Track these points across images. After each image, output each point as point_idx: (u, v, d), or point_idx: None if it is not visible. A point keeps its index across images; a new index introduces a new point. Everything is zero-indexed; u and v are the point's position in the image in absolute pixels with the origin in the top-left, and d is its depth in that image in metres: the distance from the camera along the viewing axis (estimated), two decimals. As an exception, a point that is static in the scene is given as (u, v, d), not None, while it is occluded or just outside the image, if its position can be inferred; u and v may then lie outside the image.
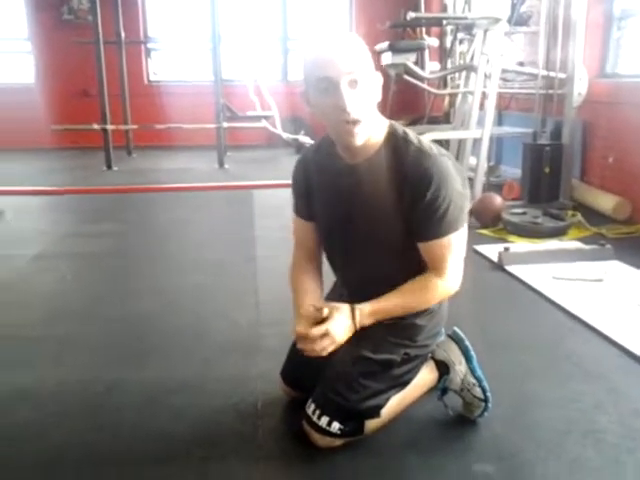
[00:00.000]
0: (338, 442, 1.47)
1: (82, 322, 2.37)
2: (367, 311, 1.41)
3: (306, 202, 1.57)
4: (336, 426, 1.45)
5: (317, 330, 1.36)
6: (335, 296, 1.67)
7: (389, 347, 1.48)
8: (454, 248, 1.38)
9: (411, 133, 1.40)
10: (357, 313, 1.40)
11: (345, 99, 1.26)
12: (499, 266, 2.91)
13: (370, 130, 1.34)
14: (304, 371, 1.62)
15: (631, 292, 2.53)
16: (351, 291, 1.60)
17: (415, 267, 1.46)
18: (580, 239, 3.35)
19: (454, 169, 1.36)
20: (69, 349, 2.14)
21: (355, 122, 1.29)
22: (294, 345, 1.70)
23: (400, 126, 1.42)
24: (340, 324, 1.38)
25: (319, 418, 1.45)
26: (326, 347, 1.37)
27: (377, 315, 1.42)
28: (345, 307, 1.41)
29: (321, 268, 1.64)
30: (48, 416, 1.69)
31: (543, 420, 1.61)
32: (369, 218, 1.43)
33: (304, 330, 1.38)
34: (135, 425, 1.64)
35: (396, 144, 1.38)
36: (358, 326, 1.41)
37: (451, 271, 1.41)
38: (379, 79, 1.35)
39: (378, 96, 1.36)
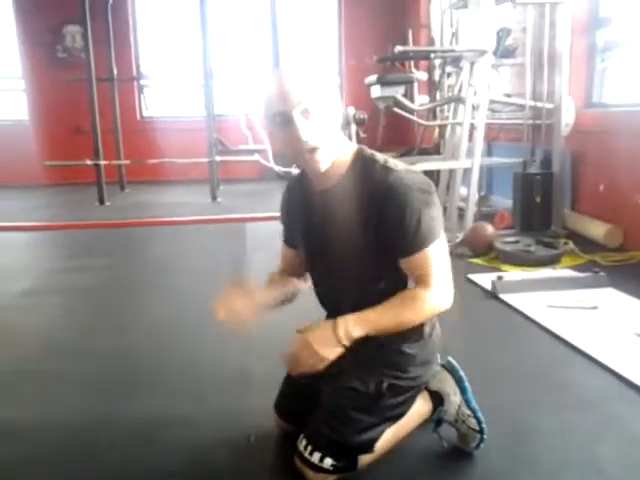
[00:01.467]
0: (331, 478, 1.43)
1: (71, 357, 2.33)
2: (351, 319, 1.35)
3: (290, 230, 1.61)
4: (329, 462, 1.41)
5: (294, 344, 1.38)
6: None
7: (380, 378, 1.45)
8: (435, 260, 1.34)
9: (378, 154, 1.41)
10: (339, 322, 1.34)
11: (300, 130, 1.28)
12: (493, 295, 2.90)
13: (333, 154, 1.35)
14: (298, 404, 1.59)
15: (626, 319, 2.52)
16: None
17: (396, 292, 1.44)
18: (573, 267, 3.35)
19: (423, 183, 1.35)
20: (57, 385, 2.09)
21: (313, 150, 1.30)
22: (287, 377, 1.68)
23: (367, 149, 1.43)
24: (318, 333, 1.36)
25: (311, 454, 1.42)
26: (310, 363, 1.36)
27: (363, 325, 1.34)
28: (325, 322, 1.40)
29: (299, 283, 1.64)
30: (35, 453, 1.64)
31: (541, 451, 1.57)
32: (343, 243, 1.42)
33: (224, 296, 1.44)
34: (124, 461, 1.60)
35: (363, 165, 1.38)
36: (341, 334, 1.33)
37: (438, 284, 1.35)
38: (337, 103, 1.36)
39: (338, 120, 1.36)
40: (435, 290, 1.35)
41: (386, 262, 1.40)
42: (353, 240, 1.39)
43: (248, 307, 1.46)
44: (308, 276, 1.64)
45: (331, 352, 1.34)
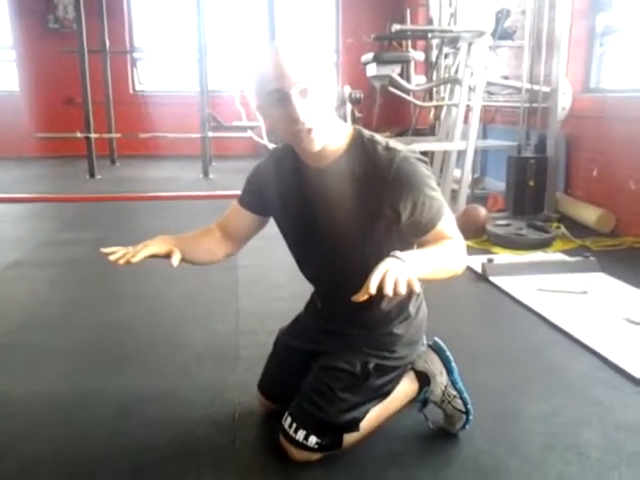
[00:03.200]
0: (316, 456, 1.43)
1: (58, 330, 2.31)
2: (411, 256, 1.18)
3: (260, 195, 1.51)
4: (313, 440, 1.40)
5: (375, 277, 1.10)
6: (312, 307, 1.64)
7: (366, 358, 1.45)
8: (449, 229, 1.35)
9: (377, 135, 1.38)
10: (396, 254, 1.16)
11: (297, 109, 1.23)
12: (483, 277, 2.89)
13: (328, 135, 1.31)
14: (282, 383, 1.58)
15: (615, 305, 2.52)
16: (325, 299, 1.58)
17: None
18: (564, 251, 3.35)
19: (423, 160, 1.36)
20: (43, 357, 2.08)
21: (310, 130, 1.26)
22: (272, 356, 1.67)
23: (365, 129, 1.40)
24: (386, 261, 1.14)
25: (295, 432, 1.41)
26: (394, 278, 1.09)
27: (417, 258, 1.19)
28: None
29: (227, 252, 1.57)
30: (19, 426, 1.64)
31: (526, 434, 1.57)
32: (337, 222, 1.39)
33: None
34: (108, 435, 1.59)
35: (363, 145, 1.35)
36: (403, 258, 1.14)
37: (458, 238, 1.35)
38: (333, 82, 1.32)
39: (334, 101, 1.33)
40: (459, 241, 1.34)
41: (391, 239, 1.37)
42: (353, 219, 1.36)
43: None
44: (236, 249, 1.58)
45: (400, 266, 1.13)
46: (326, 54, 1.31)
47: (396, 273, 1.10)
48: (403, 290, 1.09)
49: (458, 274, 1.32)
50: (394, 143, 1.36)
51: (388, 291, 1.08)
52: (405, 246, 1.38)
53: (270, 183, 1.49)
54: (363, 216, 1.35)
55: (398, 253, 1.16)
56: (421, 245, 1.36)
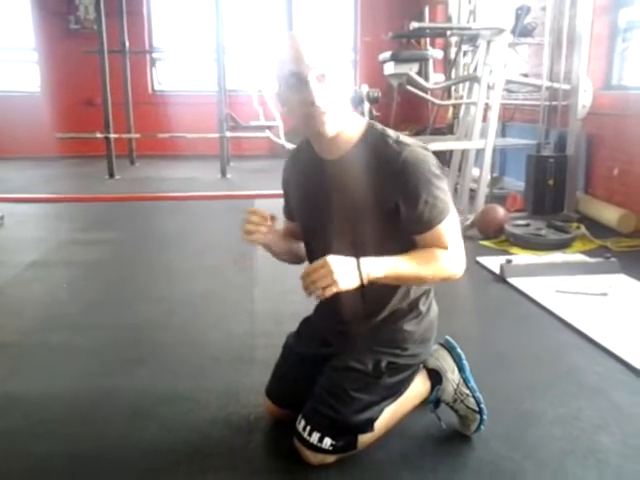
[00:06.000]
0: (331, 459, 1.42)
1: (75, 330, 2.33)
2: (372, 259, 1.28)
3: (289, 200, 1.59)
4: (328, 442, 1.40)
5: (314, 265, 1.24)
6: (321, 307, 1.63)
7: (378, 357, 1.44)
8: (450, 232, 1.35)
9: (389, 129, 1.39)
10: (360, 260, 1.27)
11: (314, 93, 1.26)
12: (501, 278, 2.86)
13: (342, 122, 1.33)
14: (290, 388, 1.58)
15: (636, 307, 2.48)
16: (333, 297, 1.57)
17: None
18: (584, 252, 3.30)
19: (433, 157, 1.35)
20: (61, 357, 2.10)
21: (324, 113, 1.29)
22: (279, 361, 1.67)
23: (378, 124, 1.41)
24: (340, 259, 1.25)
25: (310, 434, 1.41)
26: (323, 282, 1.22)
27: (383, 266, 1.28)
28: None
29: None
30: (36, 424, 1.65)
31: (544, 439, 1.55)
32: (350, 213, 1.39)
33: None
34: (124, 435, 1.60)
35: (374, 138, 1.37)
36: (362, 267, 1.26)
37: (454, 249, 1.35)
38: (349, 73, 1.35)
39: (350, 90, 1.36)
40: (452, 253, 1.35)
41: (396, 232, 1.37)
42: (364, 210, 1.37)
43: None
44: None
45: (345, 280, 1.23)
46: (342, 47, 1.34)
47: (326, 270, 1.22)
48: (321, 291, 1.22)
49: (451, 279, 1.36)
50: (405, 137, 1.37)
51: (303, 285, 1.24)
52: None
53: (290, 179, 1.55)
54: (372, 208, 1.36)
55: (365, 260, 1.26)
56: (422, 243, 1.37)
